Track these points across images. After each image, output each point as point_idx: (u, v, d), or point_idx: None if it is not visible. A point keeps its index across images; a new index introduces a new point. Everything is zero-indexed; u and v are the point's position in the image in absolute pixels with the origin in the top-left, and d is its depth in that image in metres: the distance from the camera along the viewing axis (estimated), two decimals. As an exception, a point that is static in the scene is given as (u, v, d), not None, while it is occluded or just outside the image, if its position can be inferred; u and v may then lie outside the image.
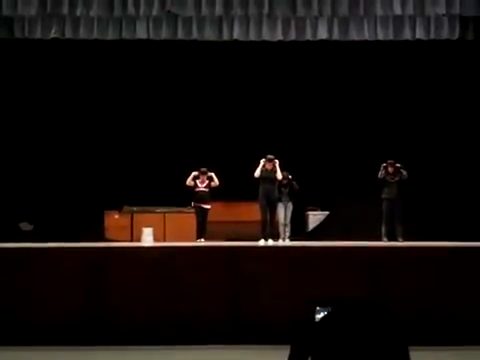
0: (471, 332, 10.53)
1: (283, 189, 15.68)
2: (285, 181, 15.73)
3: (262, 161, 14.82)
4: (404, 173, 15.16)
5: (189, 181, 15.67)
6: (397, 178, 15.10)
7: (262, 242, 14.17)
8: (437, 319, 10.77)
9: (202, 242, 14.90)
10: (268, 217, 14.75)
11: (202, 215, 15.64)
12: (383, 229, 14.94)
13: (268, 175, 14.73)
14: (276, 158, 15.00)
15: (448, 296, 10.92)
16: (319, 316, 1.41)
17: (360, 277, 10.89)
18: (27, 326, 10.88)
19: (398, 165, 15.29)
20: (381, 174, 15.19)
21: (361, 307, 1.38)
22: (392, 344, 1.34)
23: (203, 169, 15.73)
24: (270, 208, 14.78)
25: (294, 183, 15.98)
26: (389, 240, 14.56)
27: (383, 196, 15.14)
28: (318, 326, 1.37)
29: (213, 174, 15.67)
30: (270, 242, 14.37)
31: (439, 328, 10.67)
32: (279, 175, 14.85)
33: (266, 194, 14.68)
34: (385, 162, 15.39)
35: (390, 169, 15.21)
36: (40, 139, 18.51)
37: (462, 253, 11.58)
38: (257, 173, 14.67)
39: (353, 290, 10.13)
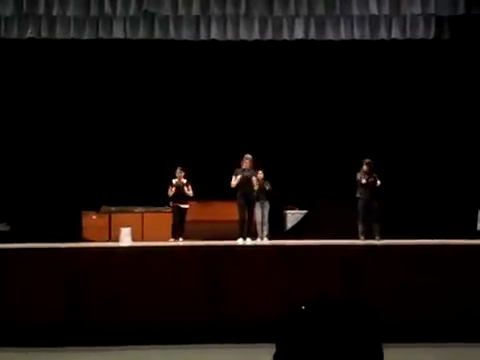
0: (447, 329, 10.64)
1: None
2: (261, 191, 15.74)
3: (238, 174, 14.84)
4: (378, 182, 15.10)
5: (170, 190, 15.68)
6: (371, 179, 15.10)
7: (240, 241, 14.26)
8: (413, 316, 10.86)
9: (180, 242, 14.93)
10: (246, 216, 14.84)
11: (180, 215, 15.67)
12: (360, 228, 15.03)
13: (246, 176, 14.79)
14: (254, 158, 15.03)
15: (424, 293, 11.02)
16: (299, 314, 1.44)
17: (338, 275, 10.96)
18: (5, 327, 10.83)
19: (374, 175, 15.21)
20: (360, 176, 15.16)
21: (336, 305, 1.42)
22: (365, 341, 1.38)
23: (177, 175, 15.71)
24: (248, 207, 14.90)
25: (272, 190, 16.03)
26: (366, 238, 14.65)
27: (358, 196, 15.23)
28: (295, 325, 1.41)
29: (190, 185, 15.64)
30: (248, 241, 14.45)
31: (415, 325, 10.76)
32: (255, 186, 14.92)
33: (244, 194, 14.78)
34: (363, 162, 15.36)
35: (366, 168, 15.23)
36: (16, 140, 18.41)
37: (439, 251, 11.69)
38: (234, 182, 14.75)
39: (331, 288, 10.19)
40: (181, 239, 15.24)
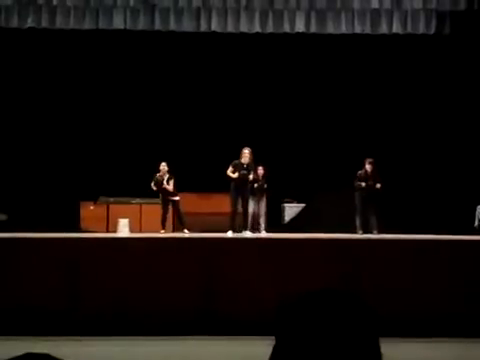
0: (444, 324, 10.66)
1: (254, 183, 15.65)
2: (257, 182, 15.65)
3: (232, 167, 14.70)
4: (377, 185, 14.97)
5: (153, 186, 15.69)
6: (371, 183, 14.97)
7: (230, 233, 14.12)
8: (411, 311, 10.88)
9: (186, 233, 14.89)
10: (240, 209, 14.69)
11: (174, 207, 15.66)
12: (357, 222, 15.02)
13: (244, 173, 14.53)
14: (253, 150, 14.89)
15: (422, 288, 11.03)
16: (298, 306, 1.43)
17: (335, 269, 10.96)
18: (2, 316, 10.83)
19: (376, 179, 15.08)
20: (359, 179, 15.03)
21: (332, 297, 1.41)
22: (363, 335, 1.38)
23: (161, 169, 15.68)
24: (242, 200, 14.72)
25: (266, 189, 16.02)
26: (364, 233, 14.65)
27: (356, 192, 15.16)
28: (294, 316, 1.40)
29: (172, 180, 15.60)
30: (248, 234, 14.41)
31: (413, 320, 10.78)
32: (250, 177, 14.73)
33: (238, 188, 14.60)
34: (366, 162, 15.24)
35: (368, 167, 15.11)
36: (15, 129, 18.39)
37: (436, 246, 11.69)
38: (232, 173, 14.59)
39: (328, 282, 10.20)
40: (186, 231, 15.18)
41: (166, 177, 15.62)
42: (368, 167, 15.10)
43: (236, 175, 14.48)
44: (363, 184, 14.94)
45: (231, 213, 14.66)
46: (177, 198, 15.70)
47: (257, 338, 8.12)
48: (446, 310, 10.81)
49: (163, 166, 15.71)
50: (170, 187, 15.56)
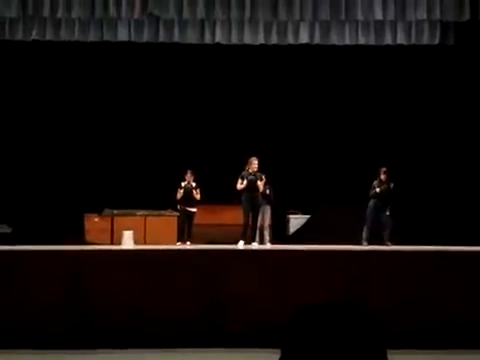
0: (454, 336, 10.59)
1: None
2: (262, 195, 15.62)
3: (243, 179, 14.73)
4: (391, 185, 15.08)
5: (178, 193, 15.61)
6: (384, 187, 15.01)
7: (241, 245, 14.13)
8: (417, 323, 10.81)
9: (188, 246, 14.87)
10: (250, 221, 14.70)
11: (188, 218, 15.61)
12: (364, 233, 14.95)
13: (252, 180, 14.62)
14: (258, 161, 14.92)
15: (429, 300, 10.97)
16: (304, 319, 1.40)
17: (340, 281, 10.91)
18: (5, 329, 10.79)
19: (389, 184, 15.17)
20: (374, 187, 15.06)
21: (337, 309, 1.38)
22: (369, 347, 1.35)
23: (186, 178, 15.64)
24: (253, 212, 14.73)
25: (271, 195, 15.93)
26: (369, 244, 14.59)
27: (370, 203, 15.07)
28: (300, 329, 1.37)
29: (198, 189, 15.61)
30: (255, 245, 14.38)
31: (418, 332, 10.71)
32: (261, 188, 14.79)
33: (250, 197, 14.62)
34: (380, 171, 15.25)
35: (383, 177, 15.14)
36: (19, 141, 18.40)
37: (445, 257, 11.64)
38: (240, 186, 14.62)
39: (333, 294, 10.15)
40: (188, 243, 15.19)
41: (193, 185, 15.61)
42: (383, 177, 15.14)
43: (245, 183, 14.53)
44: (378, 190, 14.95)
45: (244, 225, 14.63)
46: (195, 210, 15.70)
47: (261, 350, 8.08)
48: (455, 321, 10.73)
49: (189, 175, 15.65)
50: (198, 196, 15.57)
